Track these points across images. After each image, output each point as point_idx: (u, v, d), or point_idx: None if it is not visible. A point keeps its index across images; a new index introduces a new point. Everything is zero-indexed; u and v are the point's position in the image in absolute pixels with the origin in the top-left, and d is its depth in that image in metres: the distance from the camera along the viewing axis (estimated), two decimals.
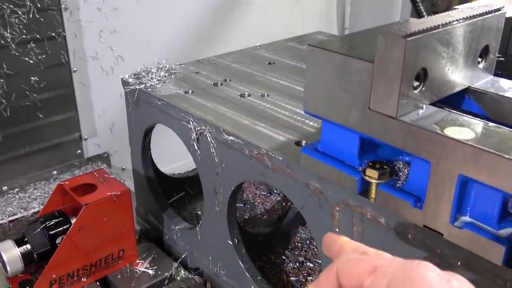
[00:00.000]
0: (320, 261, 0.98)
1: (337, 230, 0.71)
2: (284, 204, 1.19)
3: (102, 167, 1.67)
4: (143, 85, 1.01)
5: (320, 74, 0.65)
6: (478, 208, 0.57)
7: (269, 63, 1.15)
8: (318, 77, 0.66)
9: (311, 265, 1.01)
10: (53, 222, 0.95)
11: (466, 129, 0.56)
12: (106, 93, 1.71)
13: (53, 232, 0.95)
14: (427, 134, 0.56)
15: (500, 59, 0.71)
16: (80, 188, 1.00)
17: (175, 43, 1.85)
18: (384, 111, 0.59)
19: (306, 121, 0.87)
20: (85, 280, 0.99)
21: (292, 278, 0.99)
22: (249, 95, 0.98)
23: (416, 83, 0.59)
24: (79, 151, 1.73)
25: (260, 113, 0.90)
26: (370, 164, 0.65)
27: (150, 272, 1.03)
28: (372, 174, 0.64)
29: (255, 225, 1.14)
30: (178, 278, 1.02)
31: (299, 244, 1.07)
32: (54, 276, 0.94)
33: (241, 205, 1.21)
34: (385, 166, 0.65)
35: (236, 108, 0.92)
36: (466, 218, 0.58)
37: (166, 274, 1.02)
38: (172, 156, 1.54)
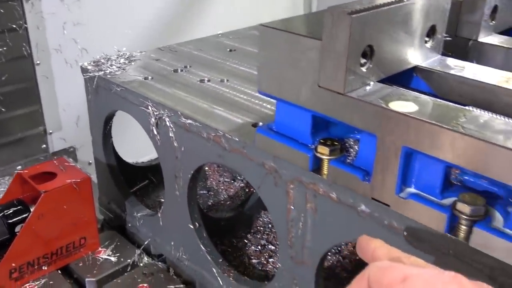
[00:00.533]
0: None
1: (292, 207, 0.72)
2: (247, 190, 1.20)
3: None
4: (102, 72, 1.00)
5: (272, 53, 0.66)
6: (422, 179, 0.59)
7: (230, 50, 1.16)
8: (270, 57, 0.67)
9: (273, 247, 1.03)
10: (11, 211, 0.94)
11: (410, 103, 0.58)
12: (70, 86, 1.69)
13: (11, 220, 0.94)
14: (373, 108, 0.58)
15: (448, 39, 0.74)
16: (40, 176, 0.99)
17: (140, 35, 1.84)
18: (332, 87, 0.61)
19: (264, 104, 0.88)
20: (46, 268, 0.98)
21: (253, 261, 1.00)
22: (208, 80, 0.98)
23: (363, 60, 0.61)
24: (44, 146, 1.71)
25: (218, 97, 0.91)
26: (322, 141, 0.67)
27: (113, 259, 1.02)
28: (323, 151, 0.66)
29: (218, 210, 1.15)
30: (141, 265, 1.02)
31: (261, 228, 1.08)
32: (13, 264, 0.93)
33: (204, 192, 1.22)
34: (336, 143, 0.66)
35: (195, 92, 0.93)
36: (411, 189, 0.60)
37: (129, 261, 1.02)
38: (143, 150, 1.54)
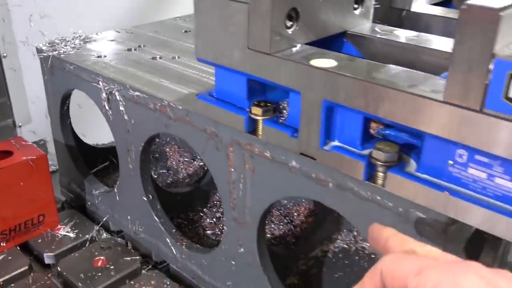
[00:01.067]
0: None
1: (232, 170, 0.76)
2: (206, 168, 1.23)
3: None
4: (57, 51, 1.03)
5: (206, 19, 0.69)
6: (344, 132, 0.63)
7: (185, 31, 1.19)
8: (204, 23, 0.70)
9: None
10: None
11: (331, 60, 0.61)
12: (39, 79, 1.69)
13: None
14: (295, 65, 0.61)
15: (377, 6, 0.77)
16: None
17: (108, 27, 1.84)
18: (260, 48, 0.64)
19: (211, 77, 0.91)
20: (4, 245, 1.00)
21: (208, 232, 1.03)
22: (160, 58, 1.01)
23: (289, 23, 0.64)
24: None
25: (168, 72, 0.94)
26: (256, 103, 0.70)
27: (71, 235, 1.05)
28: (256, 111, 0.69)
29: (177, 187, 1.18)
30: (100, 240, 1.05)
31: (217, 203, 1.12)
32: None
33: (164, 171, 1.24)
34: (268, 104, 0.70)
35: (146, 68, 0.95)
36: (335, 143, 0.63)
37: (87, 236, 1.04)
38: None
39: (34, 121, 1.77)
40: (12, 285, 0.92)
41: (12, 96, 1.68)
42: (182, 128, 0.81)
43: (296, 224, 1.05)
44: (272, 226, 1.05)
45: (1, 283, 0.93)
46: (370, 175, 0.60)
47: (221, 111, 0.73)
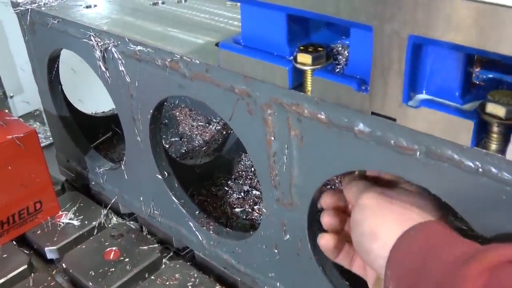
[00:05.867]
0: None
1: (273, 138, 0.58)
2: (224, 132, 1.06)
3: (34, 125, 1.50)
4: (36, 4, 0.84)
5: None
6: (435, 80, 0.45)
7: None
8: None
9: (257, 193, 0.89)
10: None
11: None
12: None
13: None
14: None
15: None
16: None
17: None
18: None
19: (230, 21, 0.73)
20: None
21: (236, 210, 0.87)
22: (163, 3, 0.82)
23: None
24: (6, 111, 1.58)
25: (175, 19, 0.76)
26: (302, 48, 0.52)
27: (76, 223, 0.89)
28: (304, 59, 0.51)
29: (193, 158, 1.01)
30: (109, 226, 0.89)
31: (243, 173, 0.95)
32: None
33: (176, 139, 1.07)
34: (320, 48, 0.52)
35: (147, 16, 0.77)
36: (423, 96, 0.46)
37: (94, 223, 0.89)
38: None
39: (26, 90, 1.62)
40: None
41: None
42: (202, 88, 0.63)
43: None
44: None
45: None
46: (479, 139, 0.43)
47: (253, 62, 0.55)
